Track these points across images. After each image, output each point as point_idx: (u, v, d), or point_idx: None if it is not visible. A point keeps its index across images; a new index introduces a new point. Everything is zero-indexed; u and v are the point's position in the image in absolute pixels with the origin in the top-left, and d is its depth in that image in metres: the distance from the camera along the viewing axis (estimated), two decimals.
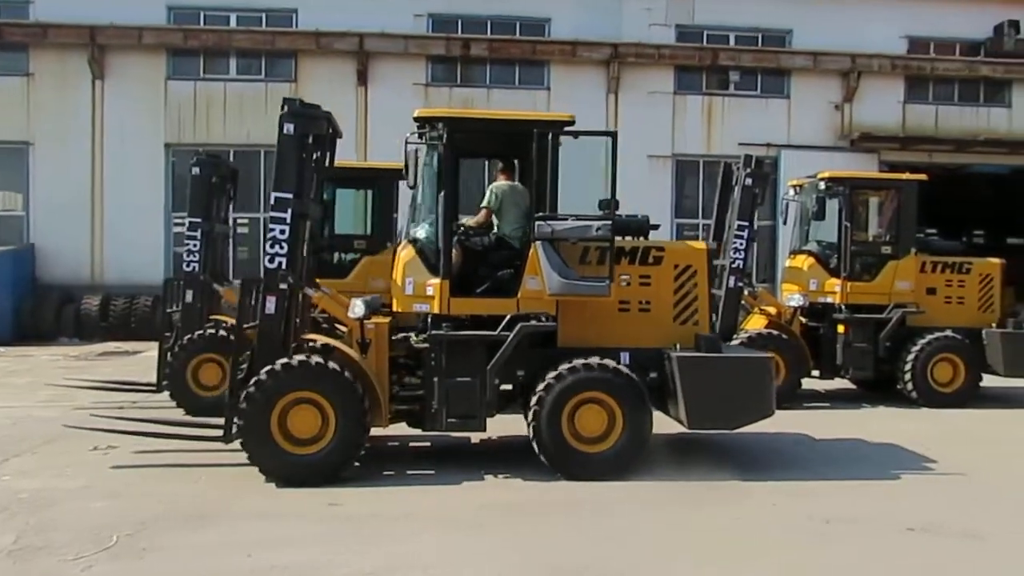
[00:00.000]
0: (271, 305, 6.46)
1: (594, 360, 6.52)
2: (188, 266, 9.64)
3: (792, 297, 10.88)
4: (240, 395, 6.26)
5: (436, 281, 6.57)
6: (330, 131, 6.95)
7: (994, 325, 10.95)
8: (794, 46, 21.58)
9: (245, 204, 19.10)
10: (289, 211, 6.49)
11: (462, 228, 6.91)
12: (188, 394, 9.00)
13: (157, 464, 6.88)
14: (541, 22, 21.32)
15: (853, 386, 11.53)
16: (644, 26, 20.98)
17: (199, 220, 9.66)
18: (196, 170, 9.74)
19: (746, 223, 10.71)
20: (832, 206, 10.83)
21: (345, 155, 17.49)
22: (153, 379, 9.64)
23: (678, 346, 6.79)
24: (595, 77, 20.65)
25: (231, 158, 18.70)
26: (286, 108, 6.53)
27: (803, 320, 11.04)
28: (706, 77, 21.19)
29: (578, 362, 6.47)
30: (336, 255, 10.37)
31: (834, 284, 10.85)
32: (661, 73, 20.82)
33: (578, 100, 20.20)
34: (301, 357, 6.33)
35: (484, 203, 7.04)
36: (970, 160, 21.77)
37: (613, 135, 6.77)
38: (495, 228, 7.08)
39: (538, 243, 6.54)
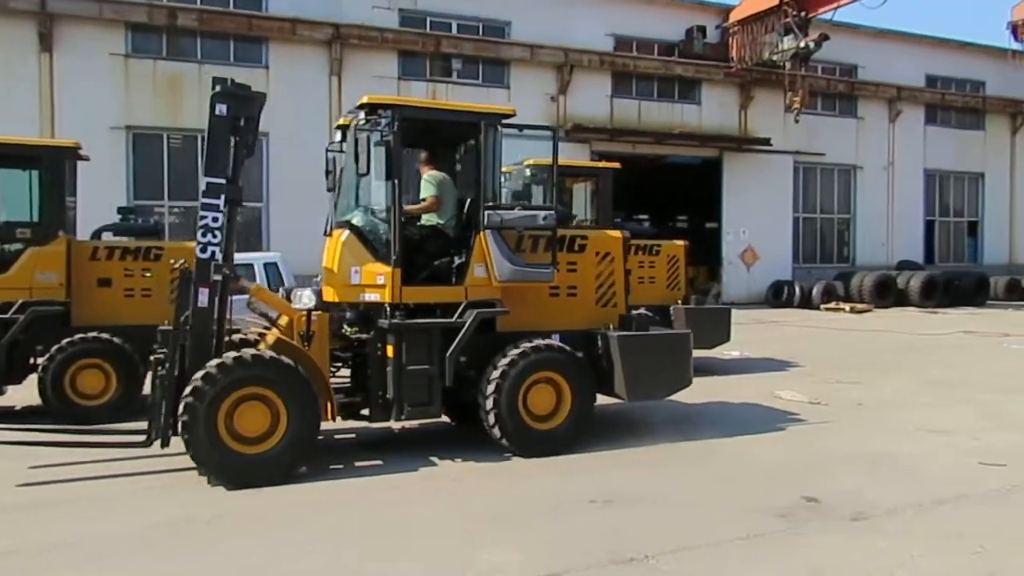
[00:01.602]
0: (204, 298, 6.01)
1: (544, 342, 6.80)
2: None
3: None
4: (171, 394, 5.85)
5: (387, 269, 6.51)
6: (259, 113, 6.38)
7: (680, 302, 12.04)
8: (512, 38, 22.41)
9: None
10: (222, 197, 6.06)
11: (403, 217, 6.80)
12: None
13: None
14: None
15: None
16: (367, 8, 20.69)
17: None
18: None
19: None
20: (537, 192, 11.27)
21: (26, 131, 15.69)
22: None
23: (612, 326, 7.24)
24: (317, 58, 20.03)
25: None
26: (217, 88, 6.08)
27: None
28: (429, 64, 21.37)
29: (529, 344, 6.72)
30: None
31: None
32: (385, 57, 20.68)
33: (300, 81, 19.54)
34: (252, 351, 5.99)
35: (432, 192, 7.06)
36: (668, 151, 24.09)
37: (555, 131, 7.30)
38: (435, 217, 7.09)
39: (487, 232, 6.71)
